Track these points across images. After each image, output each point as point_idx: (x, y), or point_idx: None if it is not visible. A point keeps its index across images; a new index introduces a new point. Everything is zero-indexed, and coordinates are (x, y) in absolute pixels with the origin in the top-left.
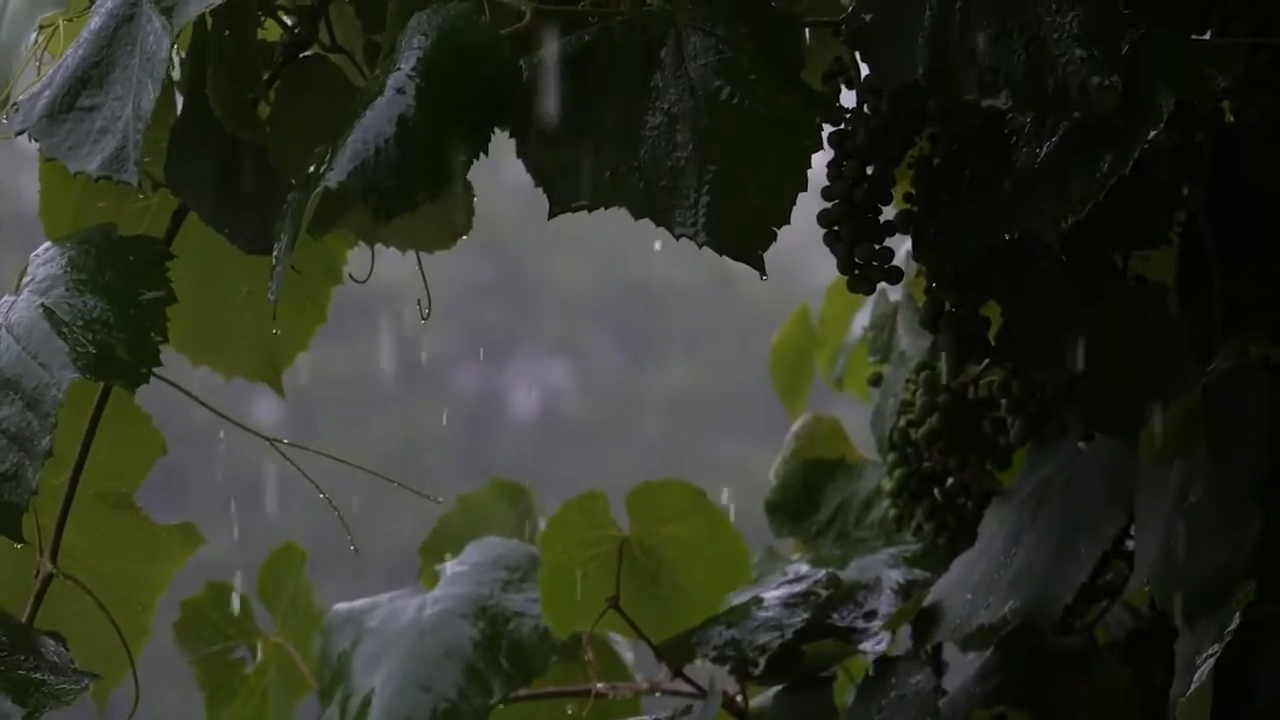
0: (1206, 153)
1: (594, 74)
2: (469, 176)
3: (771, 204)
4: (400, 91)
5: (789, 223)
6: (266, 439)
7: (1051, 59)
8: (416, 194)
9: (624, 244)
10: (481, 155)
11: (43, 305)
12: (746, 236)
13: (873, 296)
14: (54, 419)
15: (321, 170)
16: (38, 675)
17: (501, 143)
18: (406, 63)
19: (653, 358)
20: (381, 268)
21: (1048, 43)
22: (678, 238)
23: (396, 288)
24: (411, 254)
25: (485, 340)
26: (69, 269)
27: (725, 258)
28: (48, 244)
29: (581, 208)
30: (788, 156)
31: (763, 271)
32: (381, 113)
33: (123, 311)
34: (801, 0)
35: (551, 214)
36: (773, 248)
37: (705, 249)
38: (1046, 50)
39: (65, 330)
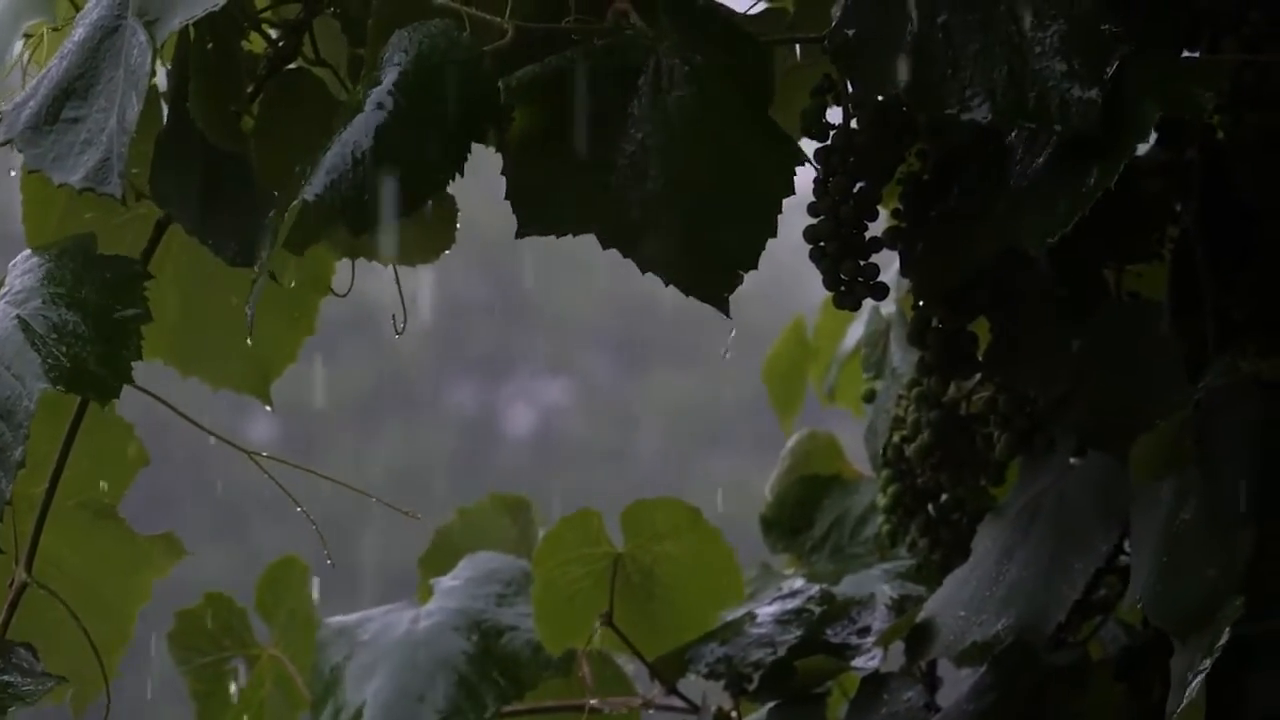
0: (1198, 169)
1: (571, 96)
2: (454, 190)
3: (740, 247)
4: (379, 106)
5: (756, 267)
6: (249, 454)
7: (1032, 73)
8: (392, 209)
9: (620, 261)
10: (458, 174)
11: (18, 317)
12: (712, 278)
13: (867, 311)
14: (26, 430)
15: (301, 185)
16: (6, 677)
17: (495, 158)
18: (387, 78)
19: (649, 374)
20: (389, 288)
21: (1029, 56)
22: (644, 271)
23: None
24: (416, 271)
25: (483, 358)
26: (46, 281)
27: None
28: (26, 252)
29: (548, 231)
30: (759, 201)
31: (727, 314)
32: (360, 127)
33: (97, 326)
34: (786, 17)
35: (519, 234)
36: (767, 263)
37: None
38: (1028, 64)
39: (39, 343)
